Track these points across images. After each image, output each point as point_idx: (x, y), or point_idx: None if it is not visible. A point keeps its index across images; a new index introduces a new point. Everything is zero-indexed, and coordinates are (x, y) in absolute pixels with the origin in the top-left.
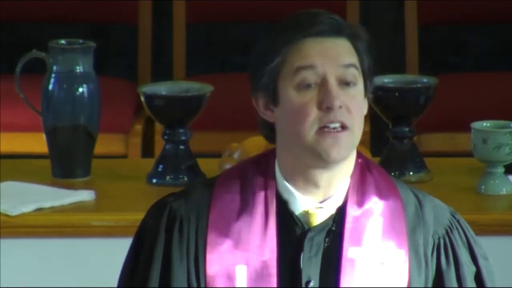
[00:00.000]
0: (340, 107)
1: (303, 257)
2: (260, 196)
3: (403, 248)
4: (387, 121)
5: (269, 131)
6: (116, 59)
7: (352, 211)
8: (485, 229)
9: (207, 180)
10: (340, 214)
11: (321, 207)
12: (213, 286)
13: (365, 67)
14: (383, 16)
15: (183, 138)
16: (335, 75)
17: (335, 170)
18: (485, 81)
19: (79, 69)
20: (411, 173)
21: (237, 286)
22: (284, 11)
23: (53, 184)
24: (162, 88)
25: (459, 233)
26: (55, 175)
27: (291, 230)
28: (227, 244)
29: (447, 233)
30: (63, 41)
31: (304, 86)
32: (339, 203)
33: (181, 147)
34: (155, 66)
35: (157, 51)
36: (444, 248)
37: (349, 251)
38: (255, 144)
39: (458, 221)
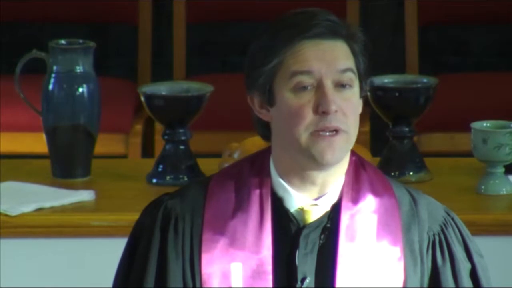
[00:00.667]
0: (336, 111)
1: (298, 254)
2: (255, 194)
3: (398, 245)
4: (387, 121)
5: (265, 130)
6: (116, 59)
7: (347, 209)
8: (485, 229)
9: (202, 179)
10: (335, 211)
11: (316, 204)
12: (209, 285)
13: (360, 68)
14: (383, 16)
15: (183, 138)
16: (331, 79)
17: (330, 170)
18: (485, 81)
19: (79, 69)
20: (411, 173)
21: (232, 284)
22: (284, 11)
23: (53, 184)
24: (162, 88)
25: (453, 230)
26: (55, 175)
27: (286, 228)
28: (222, 242)
29: (442, 230)
30: (63, 41)
31: (300, 89)
32: (334, 200)
33: (181, 147)
34: (155, 66)
35: (157, 51)
36: (440, 245)
37: (345, 249)
38: (255, 144)
39: (452, 219)
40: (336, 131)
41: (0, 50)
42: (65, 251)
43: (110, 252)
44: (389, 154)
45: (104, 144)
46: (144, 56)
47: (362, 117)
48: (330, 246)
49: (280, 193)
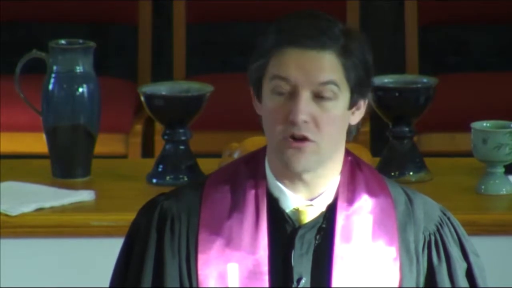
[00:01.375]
0: (306, 122)
1: (294, 255)
2: (251, 194)
3: (393, 245)
4: (387, 121)
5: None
6: (116, 59)
7: (342, 209)
8: (485, 229)
9: (198, 179)
10: (331, 211)
11: (311, 205)
12: (205, 285)
13: (351, 81)
14: (383, 16)
15: (183, 138)
16: (310, 89)
17: (316, 172)
18: (485, 81)
19: (79, 69)
20: (411, 173)
21: (229, 284)
22: (284, 11)
23: (53, 184)
24: (162, 88)
25: (449, 229)
26: (55, 175)
27: (282, 228)
28: (218, 243)
29: (437, 229)
30: (63, 41)
31: (276, 93)
32: (329, 200)
33: (181, 147)
34: (155, 66)
35: (157, 51)
36: (435, 245)
37: (340, 249)
38: (255, 144)
39: (448, 218)
40: (305, 140)
41: (0, 50)
42: (65, 251)
43: (110, 252)
44: (389, 154)
45: (104, 144)
46: (144, 56)
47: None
48: (326, 247)
49: (276, 193)
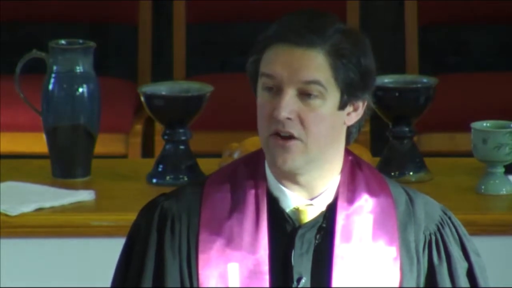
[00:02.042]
0: (289, 118)
1: (294, 254)
2: (251, 194)
3: (394, 245)
4: (387, 121)
5: None
6: (116, 59)
7: (342, 209)
8: (485, 229)
9: (198, 179)
10: (331, 211)
11: (311, 204)
12: (206, 285)
13: (341, 81)
14: (383, 16)
15: (183, 138)
16: (295, 87)
17: (311, 175)
18: (485, 81)
19: (79, 69)
20: (411, 173)
21: (229, 284)
22: (284, 11)
23: (53, 184)
24: (162, 88)
25: (450, 229)
26: (55, 175)
27: (282, 228)
28: (219, 243)
29: (438, 229)
30: (63, 41)
31: (265, 89)
32: (329, 200)
33: (181, 147)
34: (155, 66)
35: (157, 51)
36: (436, 244)
37: (340, 248)
38: (255, 144)
39: (449, 218)
40: (291, 138)
41: (0, 50)
42: (65, 251)
43: (110, 252)
44: (389, 154)
45: (104, 144)
46: (144, 56)
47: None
48: (326, 246)
49: (276, 193)
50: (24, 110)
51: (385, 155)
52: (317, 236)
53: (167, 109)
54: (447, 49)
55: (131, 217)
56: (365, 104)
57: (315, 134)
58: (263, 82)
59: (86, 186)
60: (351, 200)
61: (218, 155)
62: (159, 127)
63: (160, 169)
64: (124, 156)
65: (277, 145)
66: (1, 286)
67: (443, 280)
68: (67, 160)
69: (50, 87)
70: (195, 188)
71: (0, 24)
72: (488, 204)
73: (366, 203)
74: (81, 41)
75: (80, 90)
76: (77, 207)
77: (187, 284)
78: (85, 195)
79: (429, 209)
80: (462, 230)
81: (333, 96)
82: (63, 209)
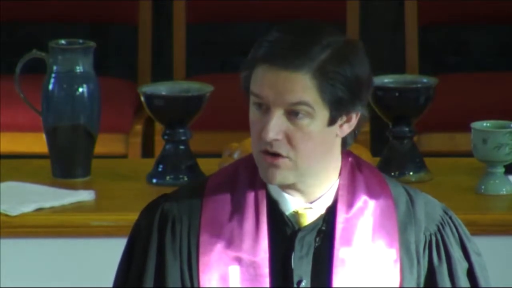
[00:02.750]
0: (277, 139)
1: (294, 257)
2: (251, 196)
3: (394, 246)
4: (387, 121)
5: None
6: (116, 59)
7: (342, 211)
8: (485, 229)
9: (199, 180)
10: (330, 214)
11: (311, 208)
12: (207, 287)
13: (328, 100)
14: (383, 16)
15: (183, 138)
16: (283, 107)
17: (306, 183)
18: (485, 81)
19: (79, 69)
20: (411, 173)
21: (230, 286)
22: (284, 11)
23: (53, 184)
24: (162, 88)
25: (451, 229)
26: (55, 175)
27: (282, 230)
28: (219, 245)
29: (439, 229)
30: (63, 41)
31: (255, 104)
32: (329, 203)
33: (181, 147)
34: (155, 66)
35: (157, 51)
36: (436, 245)
37: (340, 251)
38: None
39: (450, 218)
40: (278, 156)
41: (0, 50)
42: (65, 251)
43: (110, 252)
44: (389, 154)
45: (104, 144)
46: (144, 56)
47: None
48: (326, 249)
49: (275, 196)
50: (24, 110)
51: (385, 155)
52: (317, 239)
53: (167, 109)
54: (447, 49)
55: (131, 217)
56: (359, 115)
57: (303, 151)
58: (252, 99)
59: (86, 186)
60: (350, 203)
61: (218, 155)
62: (159, 127)
63: (160, 169)
64: (124, 156)
65: (266, 162)
66: (1, 286)
67: (443, 281)
68: (67, 160)
69: (50, 87)
70: (195, 190)
71: (0, 24)
72: (488, 204)
73: (365, 205)
74: (81, 41)
75: (80, 90)
76: (77, 207)
77: (188, 285)
78: (85, 195)
79: (429, 209)
80: (463, 230)
81: (322, 114)
82: (63, 209)
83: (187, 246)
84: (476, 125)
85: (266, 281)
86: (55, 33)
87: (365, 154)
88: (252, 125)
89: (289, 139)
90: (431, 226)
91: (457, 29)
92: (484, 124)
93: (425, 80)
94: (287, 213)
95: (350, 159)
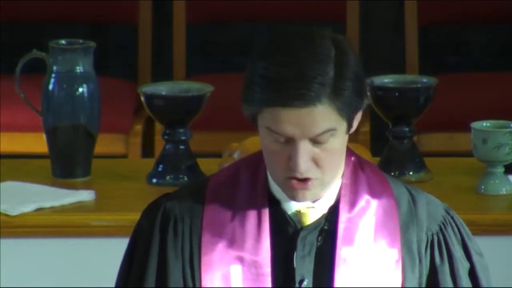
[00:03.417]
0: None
1: (296, 256)
2: (253, 196)
3: (396, 246)
4: (387, 121)
5: None
6: (116, 59)
7: (344, 211)
8: (485, 229)
9: (201, 180)
10: (333, 213)
11: (313, 207)
12: (209, 286)
13: (346, 114)
14: (383, 16)
15: (183, 138)
16: (307, 138)
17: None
18: (485, 81)
19: (79, 69)
20: (411, 173)
21: (232, 286)
22: (284, 11)
23: (53, 184)
24: (162, 88)
25: (453, 229)
26: (55, 175)
27: (284, 230)
28: (221, 244)
29: (440, 229)
30: (63, 41)
31: (273, 139)
32: (331, 202)
33: (181, 147)
34: (155, 66)
35: (157, 51)
36: (438, 245)
37: (342, 251)
38: (255, 144)
39: (452, 217)
40: (309, 179)
41: (0, 50)
42: (65, 251)
43: (110, 252)
44: (389, 154)
45: (104, 144)
46: (144, 56)
47: (362, 117)
48: (328, 248)
49: (277, 195)
50: (24, 110)
51: (385, 155)
52: (319, 238)
53: (167, 109)
54: (447, 49)
55: (131, 217)
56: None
57: (329, 168)
58: (270, 133)
59: (86, 186)
60: (353, 202)
61: (218, 155)
62: (159, 127)
63: (160, 169)
64: (124, 156)
65: (296, 186)
66: (1, 286)
67: (445, 281)
68: (67, 160)
69: (50, 87)
70: (197, 189)
71: (0, 24)
72: (488, 204)
73: (368, 205)
74: (81, 41)
75: (80, 90)
76: (77, 207)
77: (190, 284)
78: (85, 195)
79: (431, 209)
80: (465, 230)
81: (342, 127)
82: (63, 209)
83: (189, 246)
84: (476, 125)
85: (268, 281)
86: (55, 33)
87: (365, 154)
88: (272, 155)
89: (316, 162)
90: (433, 225)
91: (457, 29)
92: (484, 124)
93: (425, 80)
94: (289, 212)
95: (352, 158)
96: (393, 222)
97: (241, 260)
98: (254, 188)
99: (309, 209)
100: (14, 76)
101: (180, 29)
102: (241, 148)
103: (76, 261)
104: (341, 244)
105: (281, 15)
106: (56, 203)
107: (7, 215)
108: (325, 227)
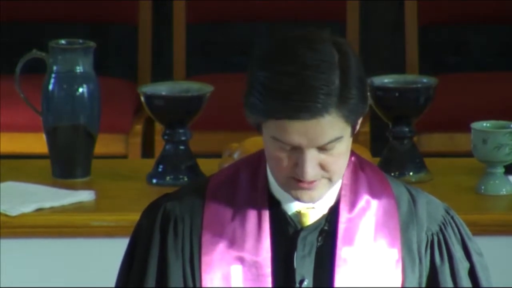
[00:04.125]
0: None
1: (296, 256)
2: (253, 196)
3: (396, 246)
4: (387, 121)
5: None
6: (116, 59)
7: (344, 211)
8: (485, 229)
9: (201, 180)
10: (333, 213)
11: (313, 207)
12: (209, 287)
13: (352, 120)
14: (383, 16)
15: (183, 138)
16: (315, 147)
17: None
18: (485, 81)
19: (79, 69)
20: (411, 173)
21: (232, 286)
22: (284, 11)
23: (53, 184)
24: (162, 88)
25: (453, 229)
26: (55, 175)
27: (284, 230)
28: (221, 244)
29: (440, 229)
30: (63, 41)
31: (278, 146)
32: (331, 202)
33: (181, 147)
34: (155, 66)
35: (157, 51)
36: (438, 245)
37: (343, 251)
38: (255, 144)
39: (452, 217)
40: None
41: (0, 50)
42: (65, 251)
43: (110, 252)
44: (389, 154)
45: (104, 144)
46: (144, 56)
47: (362, 117)
48: (328, 248)
49: (277, 195)
50: (24, 110)
51: (385, 155)
52: (319, 239)
53: (167, 109)
54: (447, 49)
55: (131, 217)
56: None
57: (336, 169)
58: (275, 142)
59: (86, 186)
60: (353, 203)
61: (218, 155)
62: (159, 127)
63: (160, 169)
64: (124, 156)
65: (301, 187)
66: (1, 286)
67: (445, 281)
68: (67, 160)
69: (50, 87)
70: (197, 190)
71: (0, 24)
72: (488, 204)
73: (368, 205)
74: (81, 41)
75: (80, 90)
76: (77, 207)
77: (190, 284)
78: (85, 195)
79: (431, 209)
80: (465, 230)
81: (347, 132)
82: (63, 209)
83: (189, 246)
84: (476, 125)
85: (268, 281)
86: (55, 33)
87: (365, 154)
88: (277, 161)
89: (323, 167)
90: (433, 225)
91: (457, 29)
92: (484, 124)
93: (425, 80)
94: (289, 213)
95: (353, 158)
96: (393, 222)
97: (241, 260)
98: (254, 188)
99: (309, 210)
100: (14, 76)
101: (180, 29)
102: (241, 148)
103: (76, 261)
104: (341, 244)
105: (281, 15)
106: (56, 203)
107: (7, 215)
108: (325, 228)
